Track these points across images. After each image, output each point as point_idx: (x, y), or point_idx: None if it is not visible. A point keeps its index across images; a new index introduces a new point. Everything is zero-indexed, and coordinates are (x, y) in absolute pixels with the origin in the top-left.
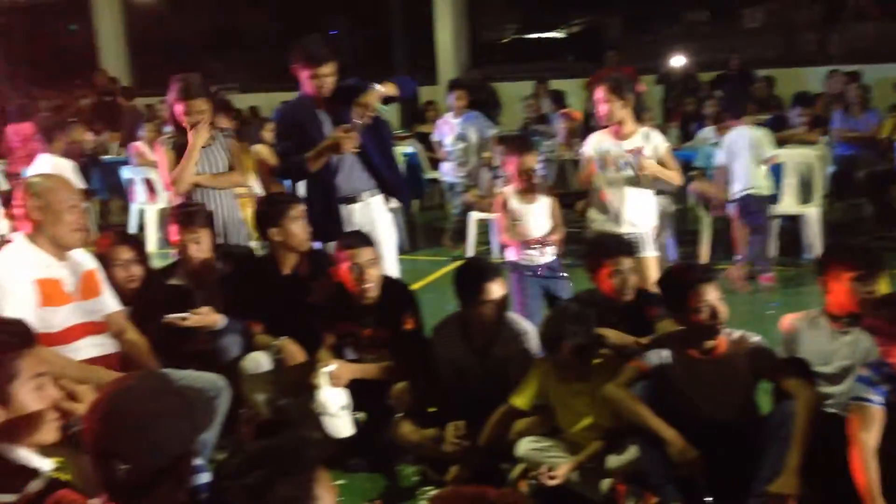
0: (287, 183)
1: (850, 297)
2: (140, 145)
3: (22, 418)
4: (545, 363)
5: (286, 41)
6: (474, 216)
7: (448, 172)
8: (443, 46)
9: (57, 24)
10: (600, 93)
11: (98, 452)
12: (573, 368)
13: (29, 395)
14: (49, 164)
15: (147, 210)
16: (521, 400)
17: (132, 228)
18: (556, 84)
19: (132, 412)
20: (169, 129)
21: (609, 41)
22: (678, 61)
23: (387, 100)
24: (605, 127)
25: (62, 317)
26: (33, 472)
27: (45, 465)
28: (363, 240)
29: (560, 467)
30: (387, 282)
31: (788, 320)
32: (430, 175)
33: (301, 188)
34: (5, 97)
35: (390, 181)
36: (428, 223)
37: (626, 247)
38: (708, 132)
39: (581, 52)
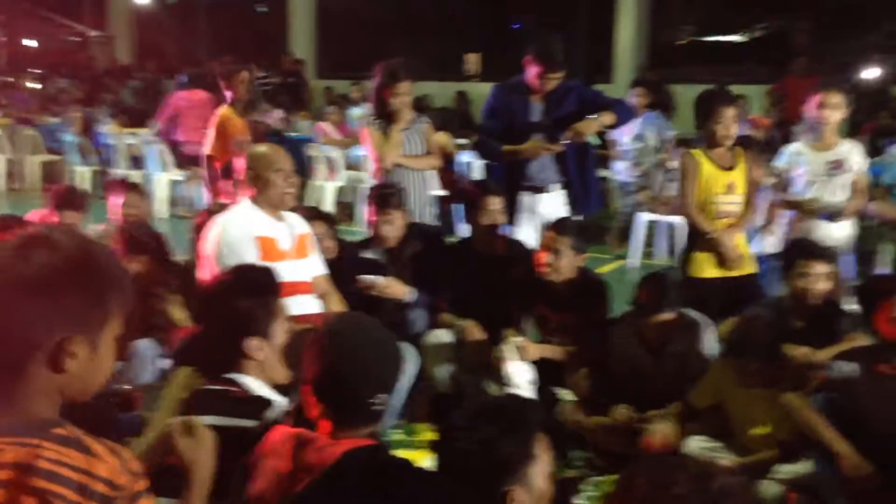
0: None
1: None
2: (325, 125)
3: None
4: (725, 365)
5: (465, 32)
6: (643, 217)
7: (621, 171)
8: (622, 46)
9: (249, 4)
10: (817, 97)
11: (323, 376)
12: (756, 374)
13: (278, 335)
14: None
15: (326, 187)
16: (697, 399)
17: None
18: (735, 89)
19: (360, 339)
20: (359, 110)
21: (796, 48)
22: (872, 72)
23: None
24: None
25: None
26: (268, 403)
27: (280, 399)
28: (567, 228)
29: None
30: (582, 272)
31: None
32: (602, 173)
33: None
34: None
35: (578, 192)
36: (593, 220)
37: (820, 252)
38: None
39: (764, 57)
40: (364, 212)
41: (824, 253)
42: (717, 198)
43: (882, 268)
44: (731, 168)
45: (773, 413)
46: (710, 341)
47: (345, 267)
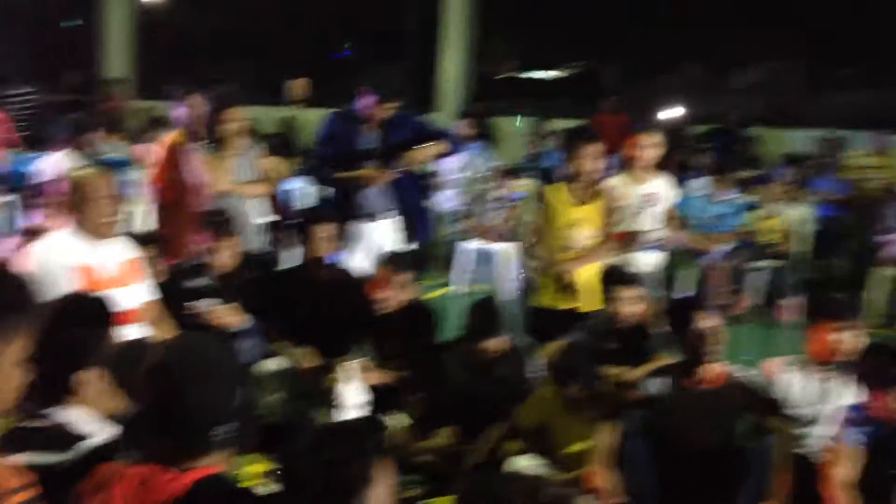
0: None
1: (829, 346)
2: (142, 148)
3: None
4: (549, 387)
5: (291, 58)
6: (468, 245)
7: (447, 200)
8: (448, 78)
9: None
10: (635, 135)
11: (160, 406)
12: (577, 395)
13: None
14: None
15: (142, 211)
16: (522, 420)
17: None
18: (552, 124)
19: (198, 365)
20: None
21: (606, 87)
22: (673, 112)
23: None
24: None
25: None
26: (81, 437)
27: (106, 432)
28: (401, 261)
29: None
30: (412, 301)
31: (772, 365)
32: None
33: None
34: None
35: (410, 220)
36: (419, 248)
37: (630, 277)
38: (700, 183)
39: (578, 93)
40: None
41: (634, 278)
42: (564, 231)
43: (685, 291)
44: (584, 203)
45: (591, 432)
46: (537, 366)
47: (174, 295)
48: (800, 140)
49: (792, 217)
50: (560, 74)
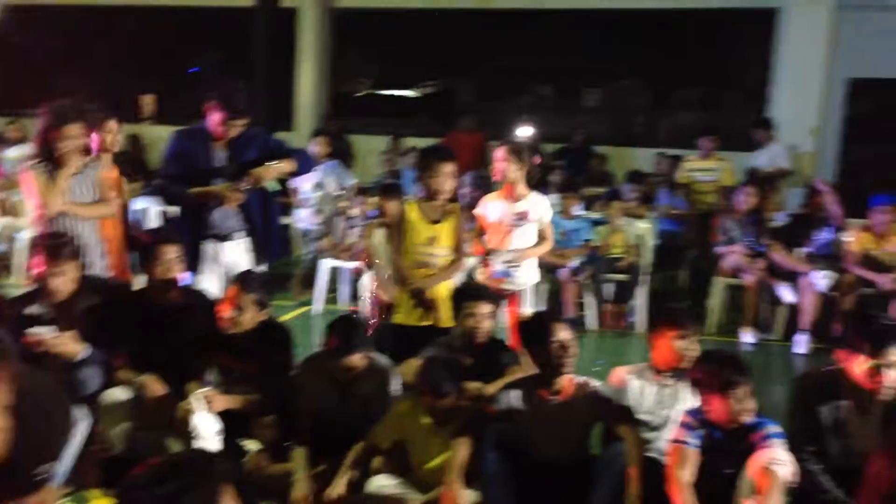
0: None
1: (672, 353)
2: None
3: None
4: (406, 404)
5: (139, 73)
6: (325, 264)
7: (303, 219)
8: (303, 95)
9: None
10: (500, 153)
11: None
12: (434, 412)
13: None
14: None
15: None
16: (380, 438)
17: None
18: (409, 142)
19: (23, 407)
20: (16, 151)
21: (461, 106)
22: (525, 131)
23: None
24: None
25: None
26: None
27: None
28: (251, 282)
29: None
30: (264, 321)
31: (619, 373)
32: (285, 221)
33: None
34: None
35: (262, 240)
36: (275, 268)
37: (484, 293)
38: (551, 200)
39: (434, 112)
40: (25, 263)
41: (488, 294)
42: (421, 248)
43: (540, 305)
44: (438, 221)
45: (446, 446)
46: (397, 384)
47: (6, 325)
48: (643, 158)
49: (636, 231)
50: (417, 93)
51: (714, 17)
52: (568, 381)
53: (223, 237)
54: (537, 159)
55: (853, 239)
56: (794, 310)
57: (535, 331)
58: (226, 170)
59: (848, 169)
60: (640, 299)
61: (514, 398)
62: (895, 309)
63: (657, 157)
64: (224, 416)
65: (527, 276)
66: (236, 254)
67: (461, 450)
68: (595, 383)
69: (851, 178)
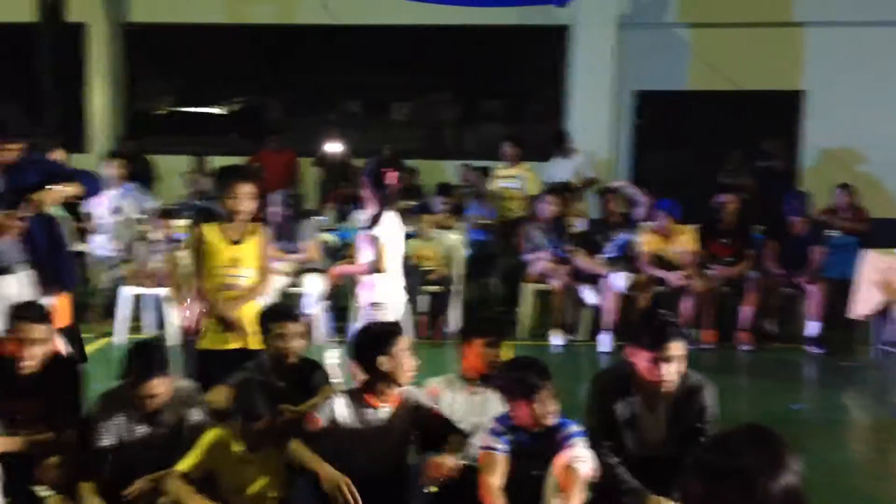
0: None
1: (481, 361)
2: None
3: None
4: (216, 431)
5: None
6: (127, 291)
7: (100, 245)
8: (96, 115)
9: None
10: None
11: None
12: (248, 436)
13: None
14: None
15: None
16: (187, 467)
17: None
18: (218, 161)
19: None
20: None
21: (270, 122)
22: (334, 147)
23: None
24: None
25: None
26: None
27: None
28: (37, 314)
29: None
30: (52, 356)
31: (432, 383)
32: (80, 248)
33: None
34: None
35: (49, 270)
36: (75, 298)
37: (291, 313)
38: (364, 214)
39: (243, 129)
40: None
41: (295, 314)
42: (223, 270)
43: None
44: (239, 242)
45: (266, 470)
46: (204, 411)
47: None
48: (453, 170)
49: (447, 243)
50: (224, 110)
51: (512, 34)
52: (396, 393)
53: (3, 270)
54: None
55: (644, 240)
56: (597, 311)
57: (371, 338)
58: (2, 197)
59: (640, 175)
60: (455, 310)
61: (339, 408)
62: (686, 304)
63: (462, 169)
64: (8, 463)
65: (384, 296)
66: (18, 287)
67: (280, 472)
68: (416, 392)
69: (643, 184)
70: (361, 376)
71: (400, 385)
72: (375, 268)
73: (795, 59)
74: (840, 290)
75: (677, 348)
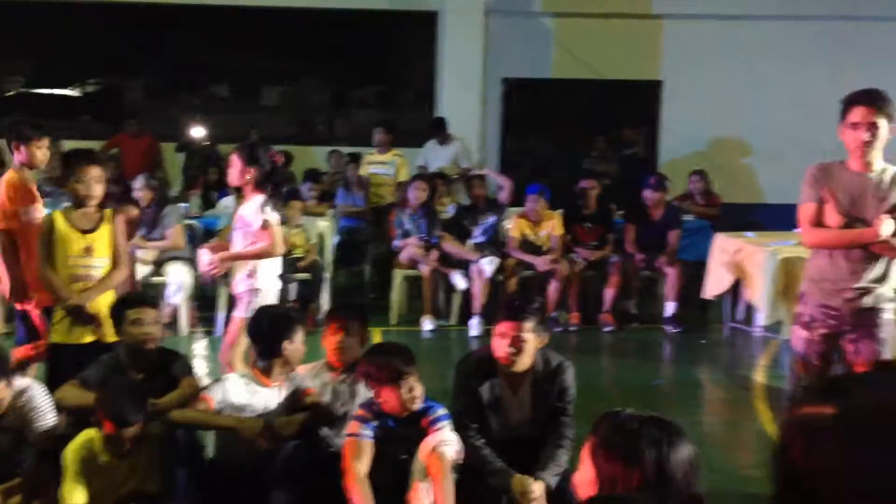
0: None
1: (336, 348)
2: None
3: None
4: (77, 444)
5: None
6: None
7: None
8: None
9: None
10: (235, 156)
11: None
12: (119, 444)
13: None
14: None
15: None
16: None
17: None
18: (71, 144)
19: None
20: None
21: (129, 105)
22: (198, 132)
23: None
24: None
25: None
26: None
27: None
28: None
29: None
30: None
31: (301, 370)
32: None
33: None
34: None
35: None
36: None
37: (148, 299)
38: (229, 200)
39: (99, 112)
40: None
41: (152, 299)
42: (75, 260)
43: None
44: (91, 230)
45: (137, 467)
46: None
47: None
48: (324, 156)
49: (317, 230)
50: (79, 92)
51: (383, 19)
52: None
53: None
54: (279, 159)
55: (512, 225)
56: (467, 295)
57: (276, 326)
58: None
59: (508, 162)
60: (325, 297)
61: (234, 387)
62: (553, 288)
63: (331, 155)
64: None
65: (265, 282)
66: None
67: (155, 470)
68: (299, 378)
69: (512, 170)
70: (255, 358)
71: (293, 369)
72: (269, 252)
73: (654, 50)
74: (695, 271)
75: (511, 327)
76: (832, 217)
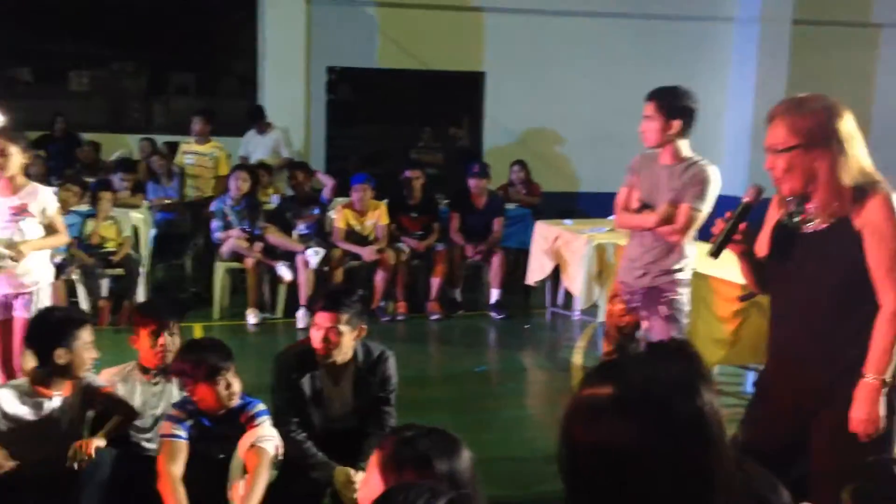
0: None
1: (152, 349)
2: None
3: None
4: None
5: None
6: None
7: None
8: None
9: None
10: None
11: None
12: None
13: None
14: None
15: None
16: None
17: None
18: None
19: None
20: None
21: None
22: None
23: None
24: None
25: None
26: None
27: None
28: None
29: None
30: None
31: (106, 375)
32: None
33: None
34: None
35: None
36: None
37: None
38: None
39: None
40: None
41: None
42: None
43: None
44: None
45: None
46: None
47: None
48: (138, 145)
49: (131, 222)
50: None
51: (201, 2)
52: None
53: None
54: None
55: (337, 216)
56: (293, 287)
57: (50, 331)
58: None
59: (334, 151)
60: (141, 293)
61: (6, 401)
62: (380, 278)
63: (142, 143)
64: None
65: (39, 274)
66: None
67: None
68: (91, 377)
69: (338, 160)
70: (33, 363)
71: (75, 378)
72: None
73: (476, 42)
74: (518, 258)
75: (327, 319)
76: (634, 202)
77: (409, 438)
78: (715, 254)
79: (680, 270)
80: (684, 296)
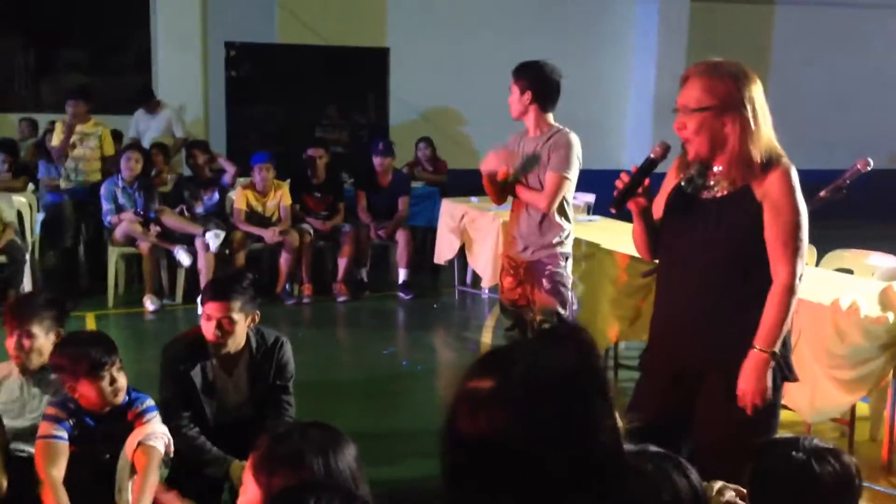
0: None
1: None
2: None
3: None
4: None
5: None
6: None
7: None
8: None
9: None
10: None
11: None
12: None
13: None
14: None
15: None
16: None
17: None
18: None
19: None
20: None
21: None
22: None
23: None
24: None
25: None
26: None
27: None
28: None
29: None
30: None
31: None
32: None
33: None
34: None
35: None
36: None
37: None
38: None
39: None
40: None
41: None
42: None
43: None
44: None
45: None
46: None
47: None
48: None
49: (15, 207)
50: None
51: None
52: None
53: None
54: None
55: (238, 197)
56: (193, 271)
57: None
58: None
59: (235, 129)
60: (28, 282)
61: None
62: (284, 260)
63: (22, 123)
64: None
65: None
66: None
67: None
68: None
69: (239, 139)
70: None
71: None
72: None
73: (380, 18)
74: (426, 237)
75: (218, 308)
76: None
77: (282, 435)
78: (617, 205)
79: (560, 244)
80: (566, 268)
